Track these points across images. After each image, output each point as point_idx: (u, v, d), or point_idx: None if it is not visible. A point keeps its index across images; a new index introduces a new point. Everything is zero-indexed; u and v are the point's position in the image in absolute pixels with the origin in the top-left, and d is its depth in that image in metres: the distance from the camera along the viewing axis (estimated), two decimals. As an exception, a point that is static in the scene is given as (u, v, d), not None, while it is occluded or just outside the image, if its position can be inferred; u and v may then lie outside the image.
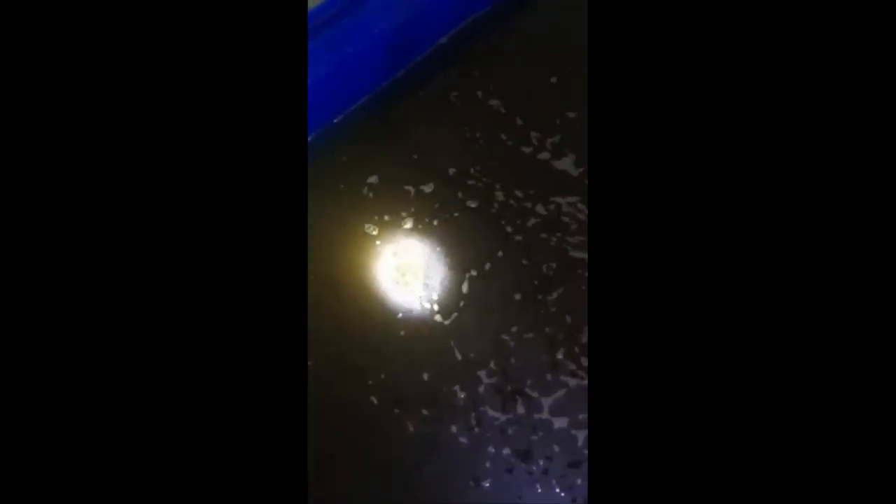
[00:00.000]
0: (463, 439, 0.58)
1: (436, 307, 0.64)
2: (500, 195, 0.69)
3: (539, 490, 0.56)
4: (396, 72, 0.75)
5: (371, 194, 0.70)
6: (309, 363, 0.60)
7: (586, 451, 0.57)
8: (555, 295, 0.63)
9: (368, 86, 0.74)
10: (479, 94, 0.74)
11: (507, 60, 0.76)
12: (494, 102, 0.74)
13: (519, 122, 0.72)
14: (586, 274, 0.64)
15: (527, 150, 0.71)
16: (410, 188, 0.70)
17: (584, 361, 0.60)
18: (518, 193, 0.69)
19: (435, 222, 0.68)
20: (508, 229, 0.67)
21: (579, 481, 0.56)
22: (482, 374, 0.60)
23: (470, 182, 0.70)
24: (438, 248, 0.67)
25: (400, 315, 0.64)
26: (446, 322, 0.63)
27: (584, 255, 0.65)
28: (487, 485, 0.56)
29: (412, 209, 0.69)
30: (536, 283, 0.64)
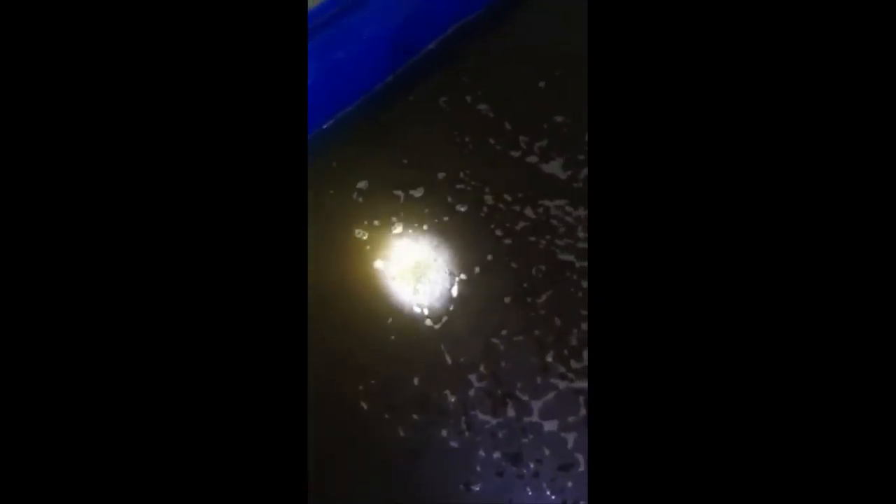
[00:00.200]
0: (453, 443, 0.58)
1: (426, 311, 0.64)
2: (489, 199, 0.69)
3: (529, 493, 0.56)
4: (386, 77, 0.75)
5: (361, 199, 0.70)
6: (299, 369, 0.60)
7: (576, 454, 0.57)
8: (544, 298, 0.63)
9: (358, 91, 0.74)
10: (468, 98, 0.75)
11: (496, 65, 0.77)
12: (483, 107, 0.74)
13: (507, 126, 0.73)
14: (575, 276, 0.64)
15: (515, 153, 0.71)
16: (400, 193, 0.70)
17: (574, 364, 0.61)
18: (507, 197, 0.69)
19: (425, 226, 0.68)
20: (498, 233, 0.67)
21: (570, 484, 0.56)
22: (472, 377, 0.60)
23: (459, 186, 0.70)
24: (428, 253, 0.67)
25: (390, 320, 0.64)
26: (436, 326, 0.63)
27: (573, 258, 0.65)
28: (478, 488, 0.56)
29: (402, 214, 0.69)
30: (525, 286, 0.64)
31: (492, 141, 0.72)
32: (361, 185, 0.71)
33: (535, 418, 0.58)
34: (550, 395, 0.59)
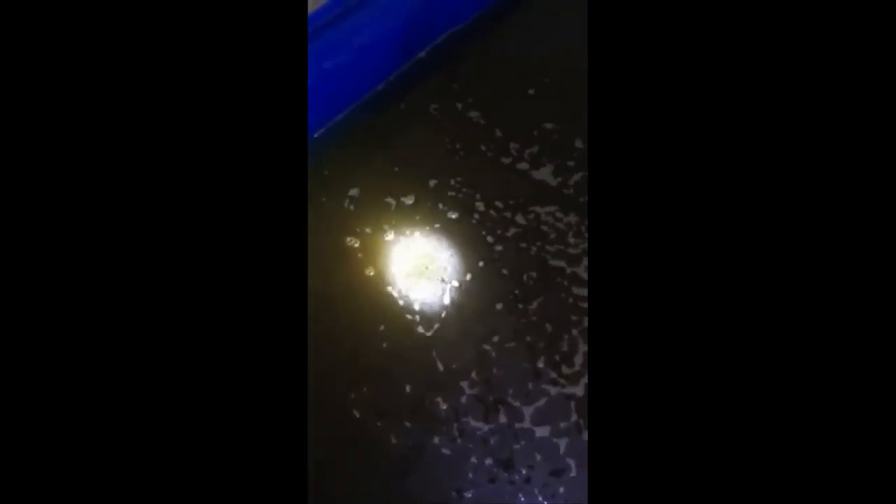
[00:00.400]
0: (445, 450, 0.58)
1: (418, 318, 0.64)
2: (480, 206, 0.69)
3: (522, 499, 0.56)
4: (377, 85, 0.76)
5: (352, 207, 0.70)
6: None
7: (568, 459, 0.57)
8: (535, 304, 0.64)
9: (349, 99, 0.75)
10: (459, 106, 0.75)
11: (486, 73, 0.77)
12: (474, 114, 0.75)
13: (498, 133, 0.73)
14: (566, 282, 0.65)
15: (506, 160, 0.72)
16: (392, 200, 0.70)
17: (565, 369, 0.61)
18: (498, 204, 0.69)
19: (416, 234, 0.68)
20: (489, 239, 0.68)
21: (561, 489, 0.56)
22: (464, 384, 0.61)
23: (450, 193, 0.70)
24: (420, 260, 0.67)
25: (382, 327, 0.64)
26: (428, 333, 0.63)
27: (564, 264, 0.66)
28: (470, 495, 0.56)
29: (393, 221, 0.69)
30: (517, 292, 0.65)
31: (483, 148, 0.73)
32: (353, 192, 0.71)
33: (526, 424, 0.59)
34: (542, 401, 0.59)
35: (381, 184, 0.71)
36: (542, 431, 0.58)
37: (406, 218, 0.69)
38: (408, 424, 0.59)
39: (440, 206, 0.70)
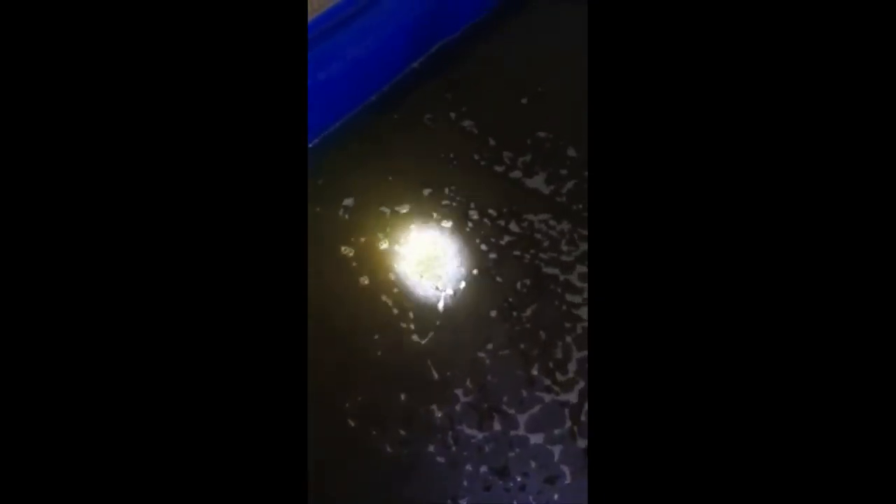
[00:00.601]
0: (440, 459, 0.58)
1: (412, 326, 0.64)
2: (474, 214, 0.70)
3: (517, 507, 0.56)
4: (370, 96, 0.77)
5: (347, 216, 0.71)
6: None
7: (562, 466, 0.57)
8: (528, 311, 0.64)
9: (343, 110, 0.75)
10: (452, 115, 0.76)
11: (479, 83, 0.78)
12: (467, 123, 0.75)
13: (491, 142, 0.74)
14: (559, 290, 0.65)
15: (499, 169, 0.72)
16: (386, 209, 0.71)
17: (559, 376, 0.61)
18: (491, 212, 0.70)
19: (410, 243, 0.69)
20: (483, 248, 0.68)
21: (556, 496, 0.56)
22: (459, 392, 0.61)
23: (444, 202, 0.71)
24: (414, 268, 0.68)
25: (377, 336, 0.64)
26: (423, 341, 0.64)
27: (557, 271, 0.66)
28: (465, 502, 0.56)
29: (388, 230, 0.70)
30: (511, 300, 0.65)
31: (476, 157, 0.73)
32: (348, 202, 0.71)
33: (521, 431, 0.59)
34: (536, 408, 0.59)
35: (376, 193, 0.72)
36: (536, 438, 0.58)
37: (400, 227, 0.70)
38: (403, 433, 0.59)
39: (434, 214, 0.70)
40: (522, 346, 0.63)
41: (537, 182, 0.71)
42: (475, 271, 0.67)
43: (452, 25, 0.80)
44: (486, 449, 0.58)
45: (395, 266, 0.68)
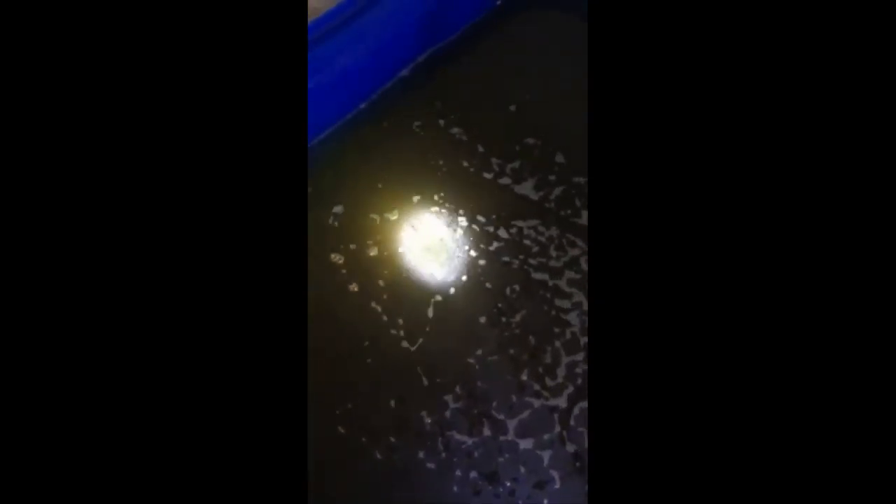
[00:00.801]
0: (430, 465, 0.58)
1: (402, 333, 0.64)
2: (463, 221, 0.70)
3: (507, 512, 0.56)
4: (359, 104, 0.77)
5: (337, 223, 0.71)
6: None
7: (552, 471, 0.57)
8: (518, 317, 0.64)
9: (332, 118, 0.76)
10: (441, 123, 0.76)
11: (468, 90, 0.79)
12: (456, 131, 0.76)
13: (480, 149, 0.74)
14: (548, 295, 0.65)
15: (488, 175, 0.73)
16: (376, 217, 0.71)
17: (549, 381, 0.61)
18: (480, 218, 0.70)
19: (400, 249, 0.69)
20: (472, 254, 0.68)
21: (545, 501, 0.56)
22: (448, 398, 0.61)
23: (434, 209, 0.71)
24: (404, 275, 0.68)
25: (367, 343, 0.64)
26: (413, 348, 0.64)
27: (546, 277, 0.66)
28: (455, 509, 0.56)
29: (378, 237, 0.70)
30: (500, 305, 0.65)
31: (465, 164, 0.74)
32: (337, 209, 0.71)
33: (510, 437, 0.59)
34: (525, 414, 0.60)
35: (366, 200, 0.72)
36: (525, 444, 0.58)
37: (390, 234, 0.70)
38: (392, 440, 0.59)
39: (424, 221, 0.70)
40: (512, 351, 0.63)
41: (526, 188, 0.71)
42: (464, 277, 0.67)
43: (444, 34, 0.80)
44: (476, 454, 0.58)
45: (385, 273, 0.68)
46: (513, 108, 0.77)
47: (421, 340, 0.64)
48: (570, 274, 0.66)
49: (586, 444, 0.58)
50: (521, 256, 0.68)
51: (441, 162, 0.74)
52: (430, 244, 0.69)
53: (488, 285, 0.66)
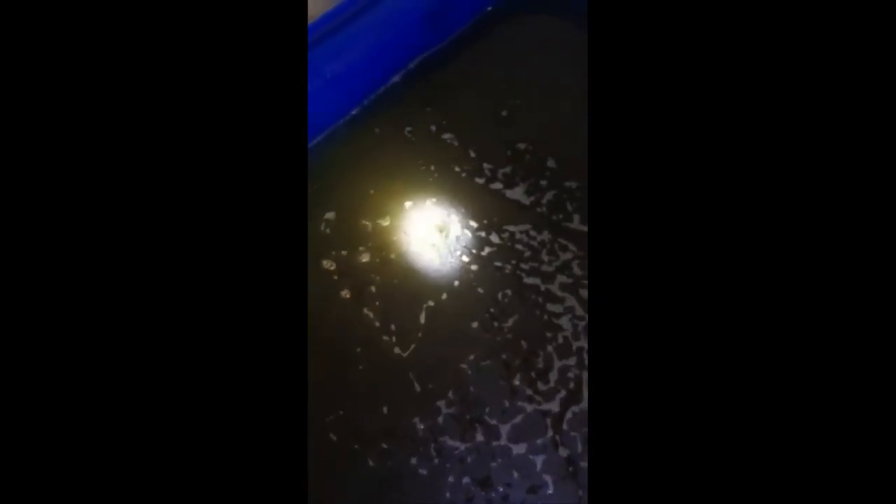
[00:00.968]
0: (423, 471, 0.58)
1: (394, 339, 0.64)
2: (455, 226, 0.70)
3: (500, 518, 0.56)
4: (351, 110, 0.77)
5: (328, 230, 0.71)
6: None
7: (545, 476, 0.57)
8: (510, 322, 0.64)
9: (323, 124, 0.76)
10: (433, 128, 0.76)
11: (459, 96, 0.79)
12: (447, 136, 0.76)
13: (471, 154, 0.74)
14: (540, 299, 0.65)
15: (480, 181, 0.73)
16: (368, 223, 0.71)
17: (541, 386, 0.61)
18: (472, 224, 0.70)
19: (392, 255, 0.69)
20: (464, 259, 0.68)
21: (539, 507, 0.56)
22: (441, 404, 0.61)
23: (426, 214, 0.71)
24: (396, 281, 0.68)
25: (359, 349, 0.64)
26: (405, 354, 0.64)
27: (538, 282, 0.66)
28: (448, 515, 0.56)
29: (370, 243, 0.70)
30: (492, 310, 0.65)
31: (457, 169, 0.74)
32: (329, 215, 0.71)
33: (503, 442, 0.59)
34: (518, 418, 0.60)
35: (357, 206, 0.72)
36: (518, 449, 0.58)
37: (382, 240, 0.70)
38: (385, 446, 0.59)
39: (415, 227, 0.70)
40: (504, 356, 0.63)
41: (517, 193, 0.72)
42: (456, 283, 0.67)
43: (435, 40, 0.81)
44: (469, 460, 0.58)
45: (377, 279, 0.68)
46: (504, 113, 0.77)
47: (413, 346, 0.64)
48: (561, 278, 0.67)
49: (579, 449, 0.58)
50: (513, 261, 0.68)
51: (433, 167, 0.74)
52: (422, 250, 0.69)
53: (480, 290, 0.66)
